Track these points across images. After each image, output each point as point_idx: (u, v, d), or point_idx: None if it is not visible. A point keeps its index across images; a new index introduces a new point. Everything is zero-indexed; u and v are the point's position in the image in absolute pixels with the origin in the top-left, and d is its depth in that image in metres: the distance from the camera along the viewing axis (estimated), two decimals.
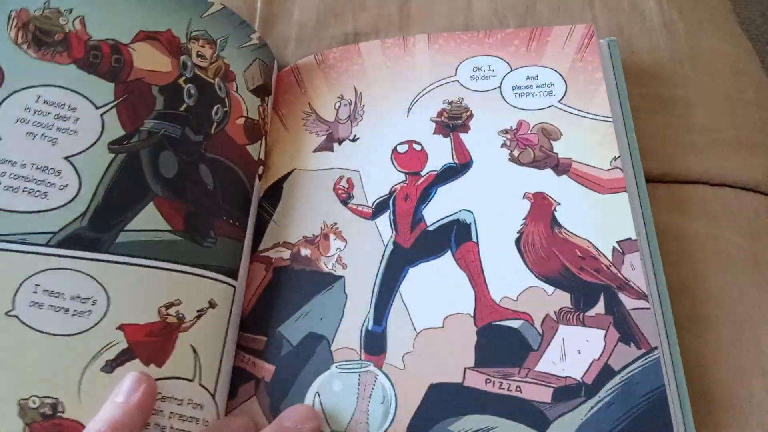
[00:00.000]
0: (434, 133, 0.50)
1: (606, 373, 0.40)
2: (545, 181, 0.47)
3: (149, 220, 0.42)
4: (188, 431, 0.40)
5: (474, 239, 0.46)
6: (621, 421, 0.39)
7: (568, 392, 0.40)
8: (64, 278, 0.39)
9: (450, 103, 0.51)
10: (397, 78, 0.53)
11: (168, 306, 0.41)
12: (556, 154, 0.48)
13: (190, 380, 0.41)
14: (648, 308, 0.42)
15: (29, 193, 0.40)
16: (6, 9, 0.45)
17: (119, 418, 0.37)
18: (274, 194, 0.51)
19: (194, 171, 0.45)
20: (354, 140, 0.51)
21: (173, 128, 0.45)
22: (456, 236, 0.46)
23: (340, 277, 0.46)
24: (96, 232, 0.41)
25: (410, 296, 0.45)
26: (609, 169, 0.46)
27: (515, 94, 0.51)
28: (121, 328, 0.39)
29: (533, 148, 0.48)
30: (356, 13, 0.60)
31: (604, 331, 0.41)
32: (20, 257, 0.39)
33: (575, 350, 0.41)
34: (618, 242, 0.44)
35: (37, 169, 0.41)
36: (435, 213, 0.47)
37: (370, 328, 0.44)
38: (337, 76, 0.55)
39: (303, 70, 0.56)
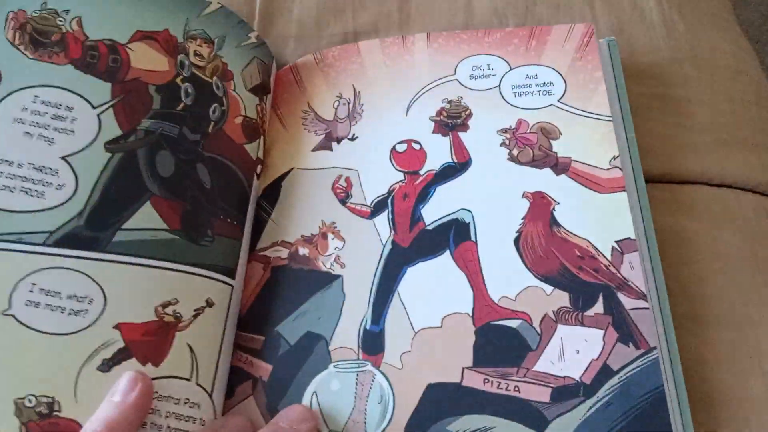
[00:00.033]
0: (433, 132, 0.50)
1: (605, 373, 0.40)
2: (544, 180, 0.47)
3: (146, 219, 0.42)
4: (185, 430, 0.39)
5: (473, 239, 0.46)
6: (620, 421, 0.39)
7: (566, 392, 0.40)
8: (60, 277, 0.39)
9: (449, 102, 0.51)
10: (396, 77, 0.53)
11: (165, 305, 0.41)
12: (555, 153, 0.48)
13: (187, 379, 0.41)
14: (647, 308, 0.42)
15: (26, 192, 0.40)
16: (3, 10, 0.45)
17: (116, 418, 0.37)
18: (272, 193, 0.50)
19: (192, 170, 0.45)
20: (353, 139, 0.51)
21: (170, 127, 0.45)
22: (455, 235, 0.46)
23: (338, 276, 0.46)
24: (93, 231, 0.41)
25: (408, 296, 0.45)
26: (608, 169, 0.46)
27: (514, 93, 0.51)
28: (117, 327, 0.39)
29: (532, 147, 0.48)
30: (356, 11, 0.60)
31: (602, 331, 0.41)
32: (17, 256, 0.39)
33: (574, 350, 0.41)
34: (617, 242, 0.44)
35: (34, 168, 0.41)
36: (434, 212, 0.47)
37: (368, 328, 0.44)
38: (336, 75, 0.55)
39: (302, 69, 0.56)
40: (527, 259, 0.45)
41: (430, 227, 0.47)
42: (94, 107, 0.44)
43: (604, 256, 0.44)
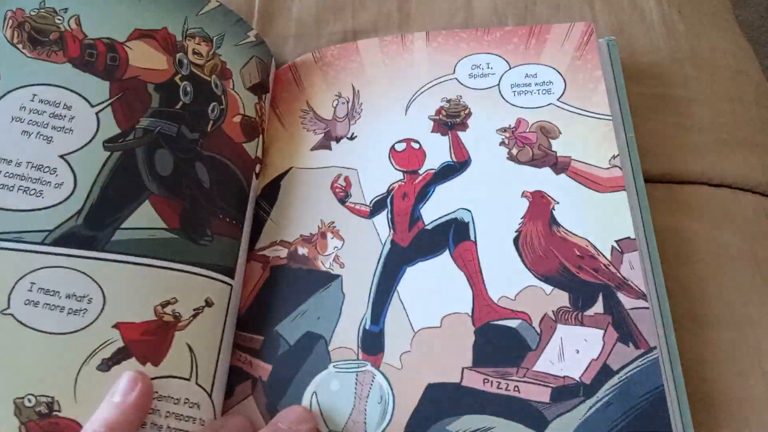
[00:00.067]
0: (432, 131, 0.50)
1: (604, 372, 0.40)
2: (544, 179, 0.47)
3: (145, 218, 0.42)
4: (185, 430, 0.39)
5: (472, 238, 0.46)
6: (619, 421, 0.39)
7: (566, 392, 0.40)
8: (59, 276, 0.39)
9: (448, 101, 0.51)
10: (395, 76, 0.53)
11: (164, 304, 0.41)
12: (555, 152, 0.48)
13: (187, 379, 0.40)
14: (647, 308, 0.42)
15: (24, 191, 0.40)
16: (1, 9, 0.45)
17: (115, 418, 0.36)
18: (271, 192, 0.50)
19: (190, 169, 0.45)
20: (352, 138, 0.51)
21: (169, 126, 0.45)
22: (454, 235, 0.46)
23: (338, 276, 0.46)
24: (91, 230, 0.41)
25: (408, 295, 0.44)
26: (608, 168, 0.46)
27: (514, 92, 0.51)
28: (117, 326, 0.39)
29: (532, 146, 0.48)
30: (356, 10, 0.60)
31: (602, 331, 0.41)
32: (15, 255, 0.39)
33: (574, 350, 0.41)
34: (617, 241, 0.44)
35: (32, 167, 0.41)
36: (433, 212, 0.47)
37: (367, 328, 0.44)
38: (335, 73, 0.54)
39: (301, 68, 0.56)
40: (527, 259, 0.45)
41: (429, 227, 0.47)
42: (92, 106, 0.44)
43: (604, 256, 0.44)
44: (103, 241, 0.41)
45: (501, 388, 0.41)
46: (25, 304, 0.38)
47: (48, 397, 0.37)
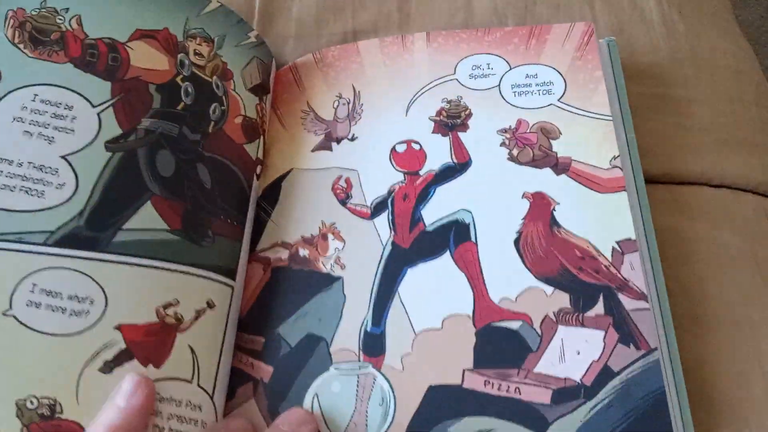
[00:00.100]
0: (433, 132, 0.50)
1: (605, 374, 0.40)
2: (544, 180, 0.47)
3: (147, 219, 0.42)
4: None
5: (473, 239, 0.46)
6: (620, 423, 0.39)
7: (567, 394, 0.40)
8: (61, 278, 0.39)
9: (449, 102, 0.51)
10: (395, 77, 0.53)
11: (166, 306, 0.41)
12: (555, 153, 0.48)
13: (189, 381, 0.40)
14: (647, 309, 0.42)
15: (26, 192, 0.40)
16: (2, 9, 0.44)
17: (119, 422, 0.36)
18: (272, 194, 0.50)
19: (192, 170, 0.45)
20: (352, 139, 0.51)
21: (171, 127, 0.45)
22: (455, 236, 0.46)
23: (339, 277, 0.46)
24: (93, 231, 0.40)
25: (409, 297, 0.44)
26: (608, 169, 0.46)
27: (514, 92, 0.51)
28: (119, 328, 0.39)
29: (532, 147, 0.48)
30: (356, 10, 0.60)
31: (603, 332, 0.41)
32: (17, 256, 0.39)
33: (574, 351, 0.41)
34: (617, 242, 0.44)
35: (33, 167, 0.41)
36: (434, 213, 0.47)
37: (368, 329, 0.44)
38: (336, 74, 0.54)
39: (301, 69, 0.56)
40: (527, 260, 0.45)
41: (430, 228, 0.47)
42: (93, 106, 0.43)
43: (605, 257, 0.44)
44: (104, 242, 0.40)
45: (502, 390, 0.41)
46: (27, 306, 0.38)
47: (50, 398, 0.37)
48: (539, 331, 0.42)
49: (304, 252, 0.47)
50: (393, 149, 0.50)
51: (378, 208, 0.48)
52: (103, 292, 0.39)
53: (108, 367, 0.38)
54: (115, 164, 0.43)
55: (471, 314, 0.43)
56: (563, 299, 0.43)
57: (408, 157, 0.50)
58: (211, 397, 0.41)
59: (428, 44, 0.54)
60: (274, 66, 0.55)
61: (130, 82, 0.45)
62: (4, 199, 0.40)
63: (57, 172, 0.41)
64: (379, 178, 0.49)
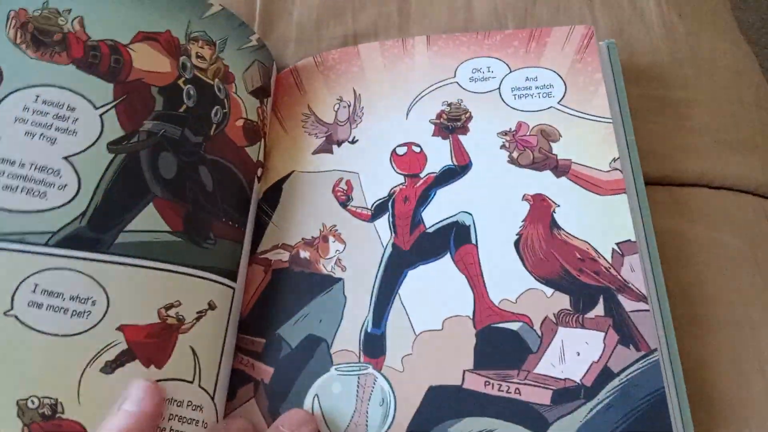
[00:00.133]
0: (433, 134, 0.50)
1: (605, 375, 0.40)
2: (544, 182, 0.47)
3: (149, 220, 0.42)
4: None
5: (473, 241, 0.46)
6: (620, 424, 0.39)
7: (567, 394, 0.40)
8: (63, 278, 0.39)
9: (449, 104, 0.51)
10: (396, 80, 0.53)
11: (168, 307, 0.41)
12: (556, 155, 0.48)
13: (190, 382, 0.40)
14: (647, 310, 0.42)
15: (28, 192, 0.40)
16: (4, 9, 0.44)
17: (129, 428, 0.36)
18: (273, 196, 0.50)
19: (194, 172, 0.45)
20: (353, 142, 0.51)
21: (173, 129, 0.45)
22: (455, 238, 0.46)
23: (339, 279, 0.46)
24: (95, 232, 0.40)
25: (409, 299, 0.45)
26: (608, 171, 0.46)
27: (514, 95, 0.51)
28: (120, 329, 0.39)
29: (532, 149, 0.48)
30: (356, 13, 0.60)
31: (603, 333, 0.41)
32: (19, 257, 0.39)
33: (574, 352, 0.41)
34: (617, 244, 0.44)
35: (36, 168, 0.41)
36: (434, 215, 0.47)
37: (369, 331, 0.44)
38: (336, 77, 0.55)
39: (302, 72, 0.56)
40: (528, 262, 0.45)
41: (430, 230, 0.47)
42: (96, 108, 0.43)
43: (605, 259, 0.44)
44: (107, 243, 0.40)
45: (502, 391, 0.41)
46: (29, 306, 0.38)
47: (51, 398, 0.37)
48: (539, 332, 0.42)
49: (304, 254, 0.47)
50: (393, 152, 0.50)
51: (379, 210, 0.48)
52: (105, 293, 0.39)
53: (110, 368, 0.39)
54: (118, 166, 0.43)
55: (471, 315, 0.43)
56: (563, 301, 0.43)
57: (408, 160, 0.50)
58: (212, 398, 0.41)
59: (428, 47, 0.54)
60: (275, 69, 0.55)
61: (132, 84, 0.45)
62: (6, 200, 0.39)
63: (59, 173, 0.41)
64: (379, 181, 0.49)
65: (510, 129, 0.49)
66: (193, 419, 0.40)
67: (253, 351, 0.45)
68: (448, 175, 0.49)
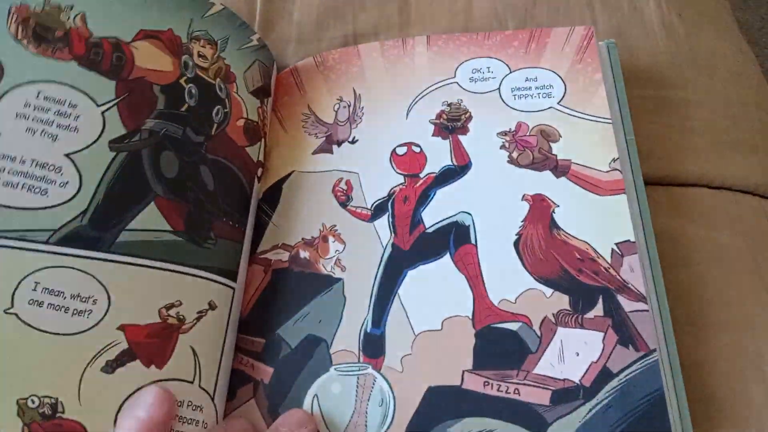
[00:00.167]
0: (433, 135, 0.50)
1: (604, 375, 0.40)
2: (544, 182, 0.47)
3: (150, 219, 0.42)
4: None
5: (473, 241, 0.46)
6: (619, 424, 0.39)
7: (566, 395, 0.40)
8: (64, 276, 0.39)
9: (449, 104, 0.51)
10: (396, 80, 0.53)
11: (168, 307, 0.41)
12: (555, 155, 0.48)
13: (190, 382, 0.40)
14: (647, 310, 0.42)
15: (29, 189, 0.40)
16: (6, 4, 0.44)
17: None
18: (273, 196, 0.50)
19: (195, 172, 0.45)
20: (353, 142, 0.51)
21: (174, 128, 0.45)
22: (455, 238, 0.46)
23: (339, 279, 0.46)
24: (97, 230, 0.40)
25: (409, 299, 0.45)
26: (608, 171, 0.46)
27: (514, 95, 0.51)
28: (121, 328, 0.39)
29: (532, 149, 0.48)
30: (356, 14, 0.60)
31: (602, 334, 0.41)
32: (20, 254, 0.38)
33: (574, 352, 0.41)
34: (617, 244, 0.44)
35: (37, 165, 0.40)
36: (434, 215, 0.47)
37: (368, 331, 0.44)
38: (337, 78, 0.55)
39: (302, 72, 0.56)
40: (527, 262, 0.45)
41: (430, 230, 0.47)
42: (98, 105, 0.43)
43: (604, 259, 0.44)
44: (108, 241, 0.40)
45: (501, 391, 0.41)
46: (29, 304, 0.38)
47: (51, 398, 0.37)
48: (539, 333, 0.42)
49: (304, 254, 0.47)
50: (393, 152, 0.50)
51: (378, 210, 0.48)
52: (106, 292, 0.39)
53: (110, 367, 0.38)
54: (119, 164, 0.42)
55: (470, 315, 0.43)
56: (563, 301, 0.43)
57: (408, 160, 0.50)
58: (212, 398, 0.41)
59: (429, 48, 0.54)
60: (276, 69, 0.55)
61: (134, 82, 0.45)
62: (6, 197, 0.39)
63: (60, 170, 0.41)
64: (379, 181, 0.49)
65: (510, 129, 0.49)
66: (193, 419, 0.40)
67: (253, 351, 0.45)
68: (448, 175, 0.49)
